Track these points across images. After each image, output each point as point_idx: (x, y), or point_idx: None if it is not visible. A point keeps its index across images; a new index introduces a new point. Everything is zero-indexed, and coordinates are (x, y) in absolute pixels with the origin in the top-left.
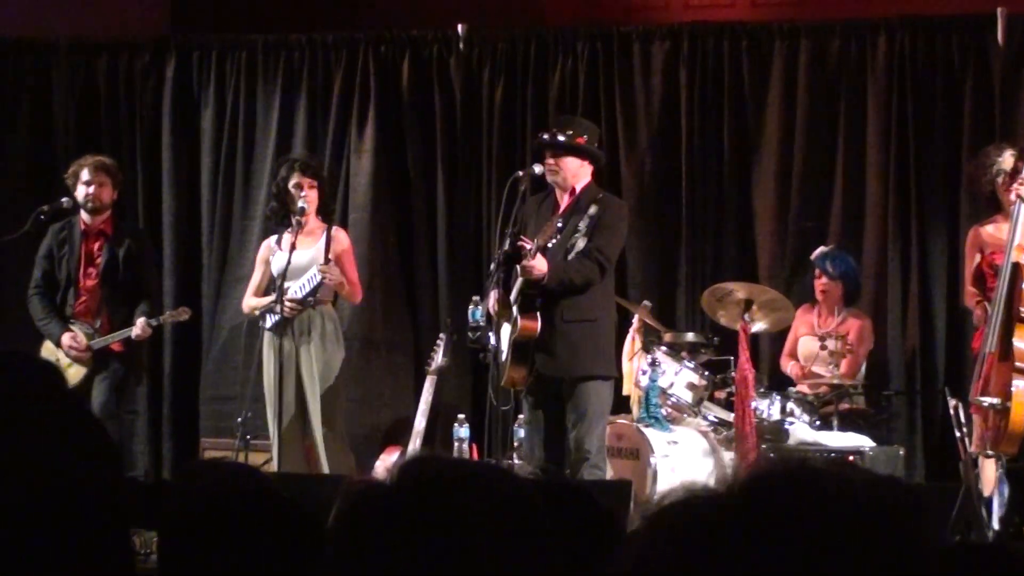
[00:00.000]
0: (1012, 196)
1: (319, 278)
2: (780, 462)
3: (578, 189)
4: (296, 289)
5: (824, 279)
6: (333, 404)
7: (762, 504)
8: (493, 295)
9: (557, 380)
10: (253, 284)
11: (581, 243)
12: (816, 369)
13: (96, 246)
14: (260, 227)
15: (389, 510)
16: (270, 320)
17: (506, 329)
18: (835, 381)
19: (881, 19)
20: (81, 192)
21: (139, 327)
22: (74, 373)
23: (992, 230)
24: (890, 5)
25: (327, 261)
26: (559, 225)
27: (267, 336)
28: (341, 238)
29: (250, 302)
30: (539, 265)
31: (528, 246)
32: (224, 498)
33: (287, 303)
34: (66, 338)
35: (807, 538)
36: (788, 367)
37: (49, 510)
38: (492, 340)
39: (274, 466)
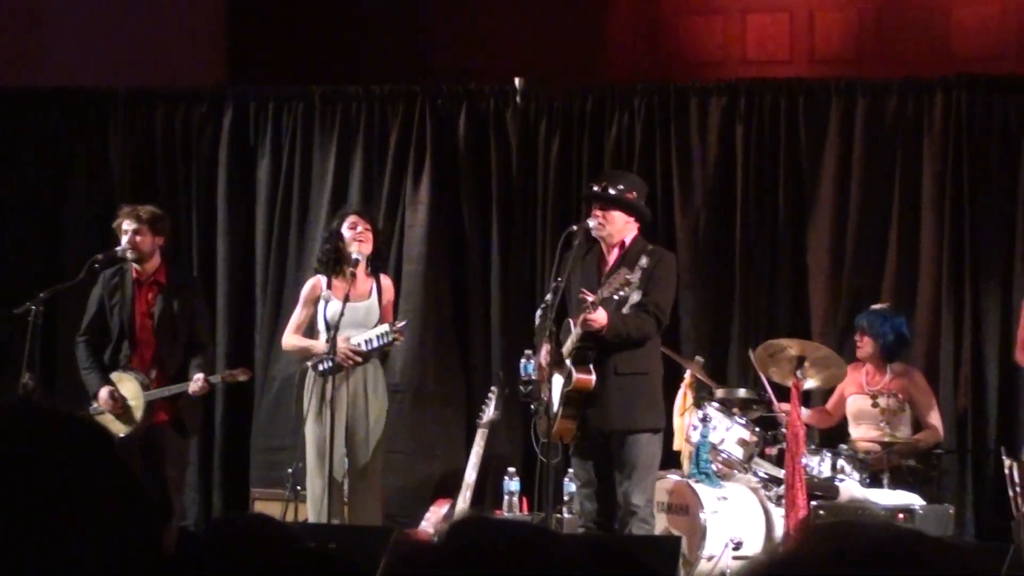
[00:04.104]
0: None
1: (391, 339)
2: (836, 534)
3: (627, 242)
4: (361, 342)
5: (857, 336)
6: (377, 456)
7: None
8: (545, 348)
9: (606, 434)
10: (295, 321)
11: (636, 296)
12: (867, 427)
13: (151, 296)
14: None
15: (436, 571)
16: (321, 366)
17: (557, 381)
18: (899, 440)
19: (938, 77)
20: (122, 241)
21: (198, 383)
22: (118, 428)
23: None
24: (948, 64)
25: (393, 321)
26: (627, 276)
27: (312, 379)
28: (388, 287)
29: (292, 340)
30: (599, 318)
31: (591, 298)
32: (248, 553)
33: (350, 354)
34: (104, 392)
35: None
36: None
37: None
38: (543, 393)
39: (316, 515)
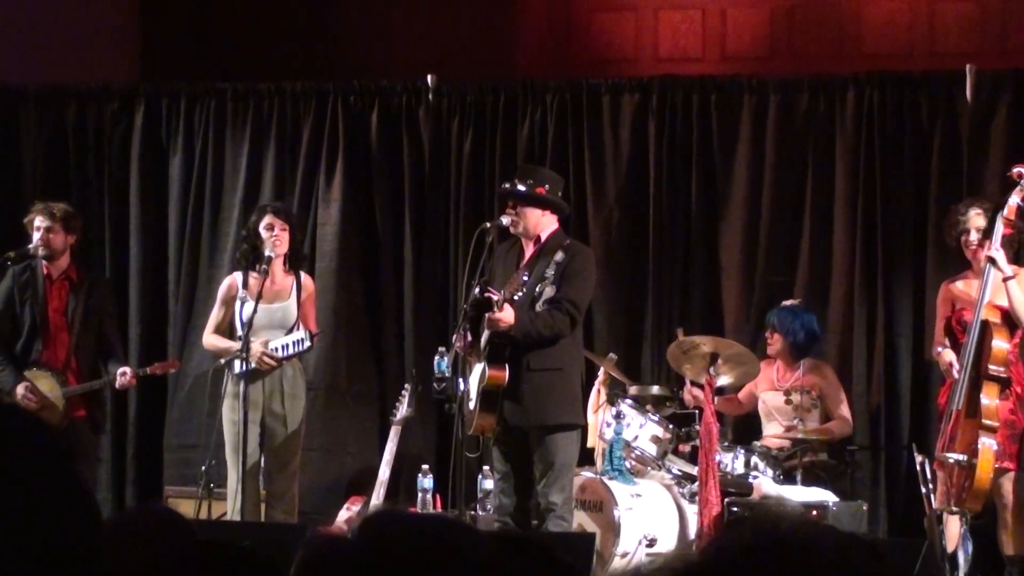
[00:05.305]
0: (981, 256)
1: (307, 345)
2: (747, 530)
3: (543, 237)
4: (279, 346)
5: (767, 333)
6: (293, 454)
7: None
8: (458, 344)
9: (524, 430)
10: (214, 320)
11: (549, 291)
12: (780, 423)
13: (63, 292)
14: (227, 275)
15: (350, 565)
16: (237, 368)
17: (475, 375)
18: (810, 435)
19: (850, 74)
20: (33, 238)
21: (126, 376)
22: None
23: (962, 286)
24: (859, 61)
25: (310, 331)
26: (524, 278)
27: (231, 383)
28: (308, 284)
29: (212, 340)
30: (506, 317)
31: (495, 297)
32: (145, 545)
33: (266, 358)
34: (21, 389)
35: None
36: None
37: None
38: (460, 387)
39: (233, 515)
